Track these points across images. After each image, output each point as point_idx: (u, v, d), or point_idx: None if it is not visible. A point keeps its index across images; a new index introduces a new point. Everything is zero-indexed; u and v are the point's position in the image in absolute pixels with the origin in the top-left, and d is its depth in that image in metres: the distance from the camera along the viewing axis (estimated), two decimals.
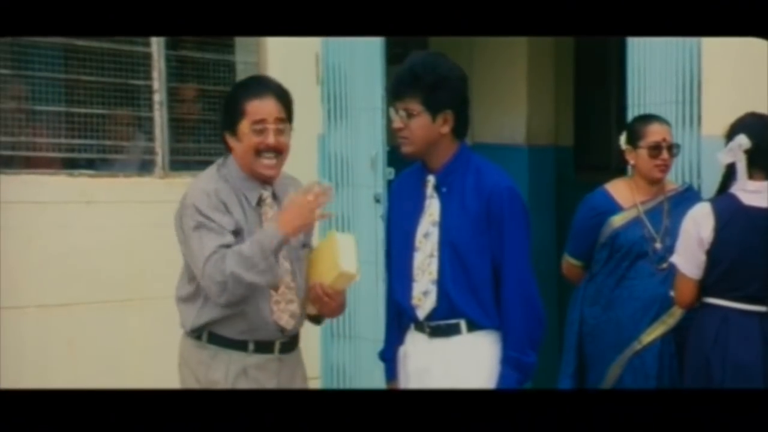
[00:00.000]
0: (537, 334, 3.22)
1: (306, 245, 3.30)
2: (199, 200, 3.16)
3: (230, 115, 3.21)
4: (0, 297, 4.43)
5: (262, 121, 3.16)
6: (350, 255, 3.22)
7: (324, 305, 3.26)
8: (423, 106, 3.16)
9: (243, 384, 3.17)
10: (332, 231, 3.32)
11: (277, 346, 3.23)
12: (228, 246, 3.10)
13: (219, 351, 3.19)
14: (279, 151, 3.20)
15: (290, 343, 3.28)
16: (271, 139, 3.17)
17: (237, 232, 3.15)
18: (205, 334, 3.22)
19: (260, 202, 3.24)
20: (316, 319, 3.45)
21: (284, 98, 3.23)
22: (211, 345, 3.20)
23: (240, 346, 3.19)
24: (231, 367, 3.18)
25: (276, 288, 3.19)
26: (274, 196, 3.27)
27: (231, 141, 3.22)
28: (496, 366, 3.18)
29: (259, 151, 3.17)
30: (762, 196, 3.49)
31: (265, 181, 3.24)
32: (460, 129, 3.24)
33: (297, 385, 3.31)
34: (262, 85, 3.27)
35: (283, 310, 3.22)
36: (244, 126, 3.17)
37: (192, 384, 3.23)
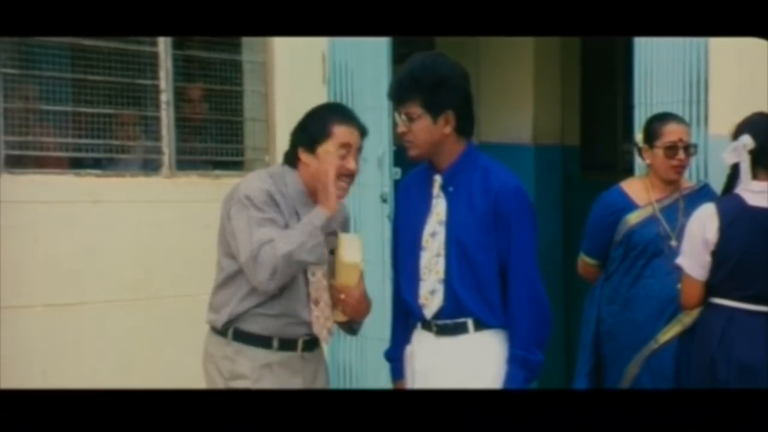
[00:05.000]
0: (544, 332, 3.23)
1: (331, 233, 3.34)
2: (254, 193, 3.22)
3: (313, 134, 3.27)
4: (7, 296, 4.44)
5: (347, 145, 3.27)
6: (352, 248, 3.31)
7: (344, 305, 3.33)
8: (423, 109, 3.18)
9: (268, 378, 3.24)
10: (339, 233, 3.37)
11: (300, 344, 3.30)
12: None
13: (243, 347, 3.26)
14: (353, 177, 3.31)
15: (313, 341, 3.35)
16: (352, 164, 3.28)
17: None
18: (231, 331, 3.27)
19: None
20: (350, 328, 3.51)
21: (365, 132, 3.36)
22: (236, 342, 3.27)
23: (264, 343, 3.26)
24: (256, 363, 3.25)
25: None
26: None
27: (305, 157, 3.28)
28: (503, 365, 3.19)
29: (339, 175, 3.25)
30: (767, 197, 3.48)
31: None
32: (464, 128, 3.24)
33: (319, 382, 3.38)
34: (349, 113, 3.39)
35: (322, 326, 3.33)
36: (329, 147, 3.25)
37: (216, 379, 3.30)
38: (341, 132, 3.27)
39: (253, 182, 3.29)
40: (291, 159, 3.33)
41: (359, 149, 3.32)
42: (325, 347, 3.44)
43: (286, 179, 3.30)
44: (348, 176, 3.28)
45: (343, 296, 3.30)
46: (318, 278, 3.30)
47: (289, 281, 3.23)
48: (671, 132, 4.00)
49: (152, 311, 4.89)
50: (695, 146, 4.08)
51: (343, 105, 3.39)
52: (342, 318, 3.38)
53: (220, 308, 3.30)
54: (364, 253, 3.34)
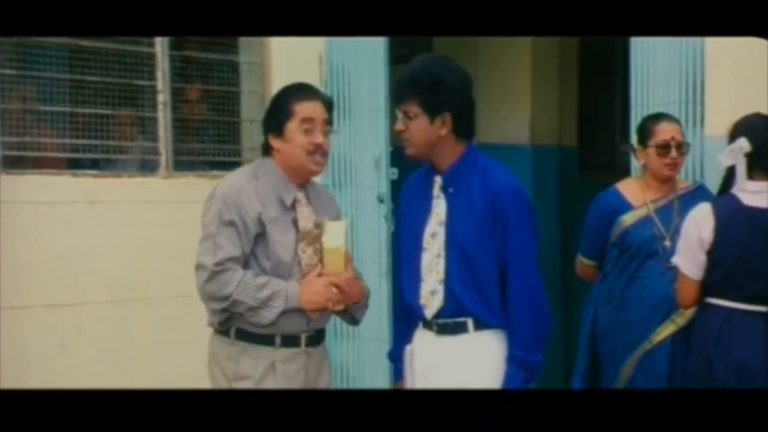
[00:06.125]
0: (543, 333, 3.23)
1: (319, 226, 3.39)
2: (230, 193, 3.28)
3: (276, 117, 3.32)
4: (5, 296, 4.44)
5: (311, 120, 3.29)
6: (334, 233, 3.34)
7: (344, 293, 3.33)
8: (421, 109, 3.20)
9: (271, 379, 3.26)
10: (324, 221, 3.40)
11: (303, 339, 3.32)
12: (237, 259, 3.21)
13: (247, 347, 3.28)
14: (325, 151, 3.33)
15: (316, 336, 3.36)
16: (319, 138, 3.30)
17: (262, 232, 3.26)
18: (233, 331, 3.29)
19: (295, 203, 3.33)
20: (351, 318, 3.50)
21: (329, 104, 3.39)
22: (239, 341, 3.29)
23: (267, 340, 3.27)
24: (259, 362, 3.27)
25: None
26: (308, 198, 3.37)
27: (275, 143, 3.33)
28: (502, 365, 3.20)
29: (309, 152, 3.29)
30: (763, 197, 3.48)
31: (301, 183, 3.36)
32: (462, 130, 3.26)
33: (323, 378, 3.40)
34: (309, 89, 3.42)
35: None
36: (293, 125, 3.29)
37: (221, 380, 3.31)
38: (302, 108, 3.30)
39: (232, 180, 3.35)
40: (265, 149, 3.38)
41: (326, 122, 3.34)
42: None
43: (266, 169, 3.34)
44: (320, 151, 3.31)
45: (335, 289, 3.31)
46: (309, 254, 3.32)
47: (281, 259, 3.26)
48: (663, 131, 4.03)
49: (150, 312, 4.88)
50: (688, 145, 4.09)
51: (304, 83, 3.43)
52: (339, 307, 3.37)
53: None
54: (347, 236, 3.38)
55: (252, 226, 3.25)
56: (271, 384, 3.25)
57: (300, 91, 3.38)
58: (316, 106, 3.32)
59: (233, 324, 3.29)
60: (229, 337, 3.30)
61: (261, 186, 3.30)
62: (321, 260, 3.34)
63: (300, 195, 3.35)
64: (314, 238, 3.33)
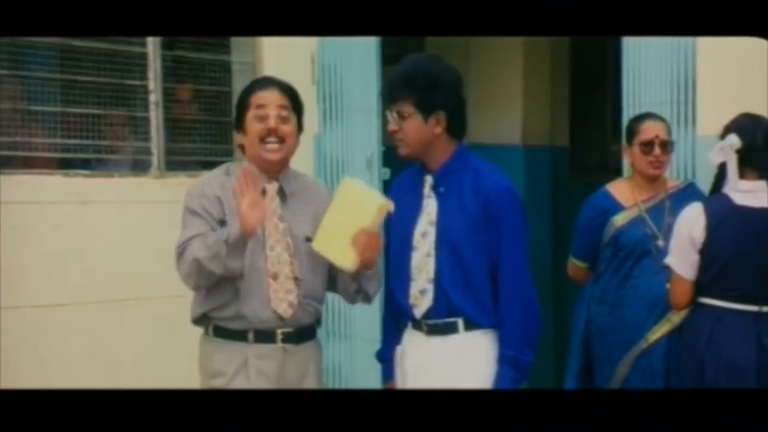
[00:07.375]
0: (534, 333, 3.24)
1: (309, 239, 3.32)
2: (196, 188, 3.30)
3: (238, 113, 3.34)
4: None
5: (263, 106, 3.28)
6: (366, 189, 3.29)
7: (371, 249, 3.20)
8: (415, 108, 3.20)
9: (243, 374, 3.24)
10: (346, 179, 3.33)
11: (278, 335, 3.28)
12: (201, 236, 3.21)
13: (222, 343, 3.28)
14: (281, 137, 3.29)
15: (295, 333, 3.32)
16: (272, 123, 3.27)
17: (224, 220, 3.25)
18: (211, 328, 3.31)
19: (263, 195, 3.28)
20: (365, 295, 3.40)
21: (287, 90, 3.35)
22: (216, 338, 3.30)
23: (240, 336, 3.26)
24: (233, 357, 3.25)
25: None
26: (281, 191, 3.33)
27: (240, 138, 3.35)
28: (493, 365, 3.19)
29: (262, 138, 3.27)
30: (754, 196, 3.48)
31: (271, 175, 3.32)
32: (455, 129, 3.26)
33: (310, 378, 3.35)
34: (265, 80, 3.45)
35: (281, 299, 3.28)
36: (249, 116, 3.29)
37: (201, 377, 3.33)
38: (256, 98, 3.30)
39: (203, 177, 3.38)
40: (241, 148, 3.40)
41: (284, 107, 3.30)
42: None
43: (239, 166, 3.34)
44: (274, 135, 3.28)
45: (374, 241, 3.18)
46: (277, 252, 3.28)
47: (248, 257, 3.22)
48: (647, 129, 4.04)
49: (141, 312, 4.88)
50: (672, 143, 4.10)
51: (264, 77, 3.42)
52: (352, 267, 3.24)
53: (193, 304, 3.34)
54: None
55: (215, 211, 3.24)
56: (243, 380, 3.23)
57: (255, 83, 3.41)
58: (269, 93, 3.31)
59: (210, 321, 3.29)
60: (208, 335, 3.32)
61: (231, 181, 3.27)
62: (353, 218, 3.19)
63: (270, 187, 3.31)
64: (281, 234, 3.29)
